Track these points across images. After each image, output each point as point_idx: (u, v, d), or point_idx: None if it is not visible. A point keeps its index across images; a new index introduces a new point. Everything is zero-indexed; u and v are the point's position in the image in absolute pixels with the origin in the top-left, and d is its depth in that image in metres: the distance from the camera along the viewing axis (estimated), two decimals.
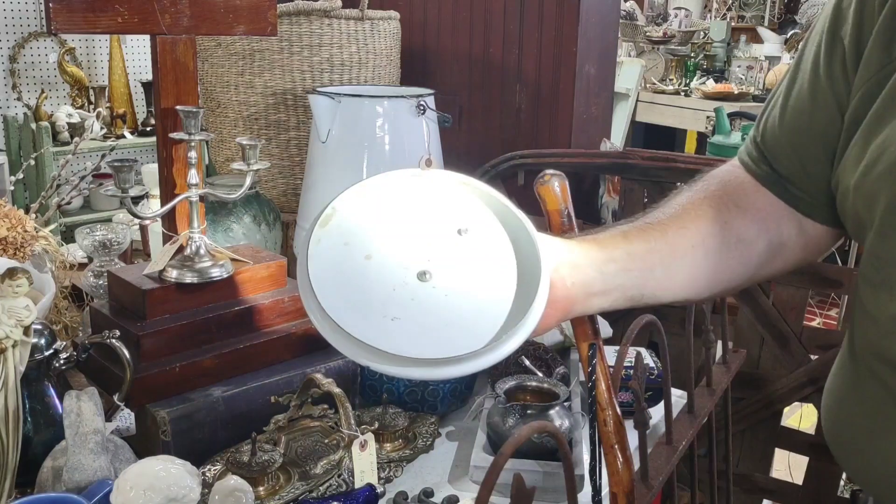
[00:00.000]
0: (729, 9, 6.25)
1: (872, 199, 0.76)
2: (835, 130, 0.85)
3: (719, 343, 1.65)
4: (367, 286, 0.69)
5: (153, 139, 2.31)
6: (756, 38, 5.74)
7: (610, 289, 0.79)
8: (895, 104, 0.76)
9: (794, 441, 1.99)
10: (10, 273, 0.96)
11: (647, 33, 5.70)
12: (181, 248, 1.21)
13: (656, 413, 1.33)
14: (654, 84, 5.42)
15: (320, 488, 1.05)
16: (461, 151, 2.40)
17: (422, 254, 0.71)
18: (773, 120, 0.92)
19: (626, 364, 1.26)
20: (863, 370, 0.85)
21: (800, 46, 0.91)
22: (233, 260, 1.26)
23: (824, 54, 0.85)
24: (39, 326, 1.05)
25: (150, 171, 2.16)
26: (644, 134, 5.47)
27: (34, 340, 1.01)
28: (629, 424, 0.99)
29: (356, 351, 0.66)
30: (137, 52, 4.04)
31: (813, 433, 1.99)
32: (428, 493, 1.09)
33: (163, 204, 1.29)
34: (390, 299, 0.69)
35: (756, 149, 0.94)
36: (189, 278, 1.18)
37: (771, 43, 5.49)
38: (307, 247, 0.70)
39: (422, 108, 1.60)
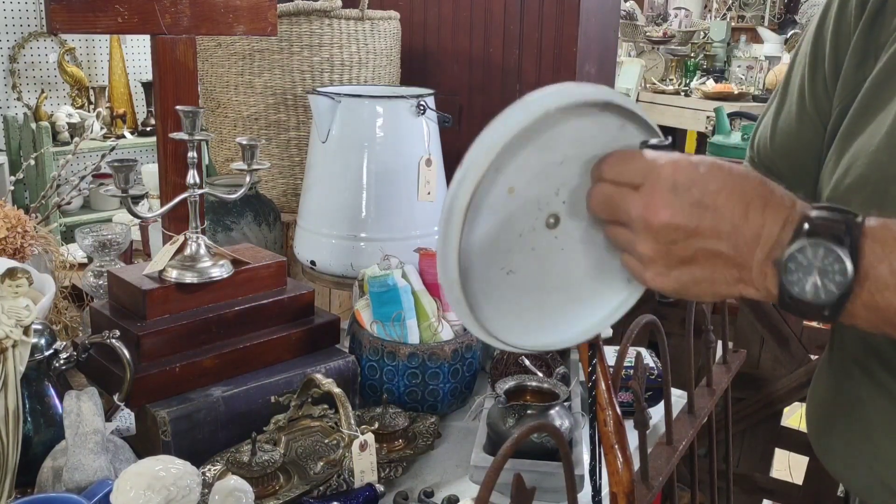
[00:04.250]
0: (729, 9, 6.25)
1: None
2: (822, 147, 0.87)
3: (719, 343, 1.65)
4: (499, 228, 0.65)
5: (153, 139, 2.31)
6: (756, 38, 5.74)
7: None
8: (864, 119, 0.79)
9: (794, 441, 2.00)
10: (10, 273, 0.96)
11: (647, 33, 5.70)
12: (181, 248, 1.21)
13: (656, 413, 1.33)
14: (654, 84, 5.42)
15: (320, 488, 1.05)
16: (461, 151, 2.39)
17: (560, 195, 0.67)
18: (764, 140, 0.95)
19: (626, 364, 1.26)
20: (841, 372, 0.86)
21: (787, 66, 0.94)
22: (233, 260, 1.26)
23: (808, 76, 0.89)
24: (39, 326, 1.05)
25: (150, 171, 2.16)
26: None
27: (34, 340, 1.01)
28: (629, 424, 0.99)
29: (457, 297, 0.64)
30: (137, 52, 4.04)
31: None
32: (428, 493, 1.09)
33: (163, 204, 1.29)
34: (514, 247, 0.66)
35: (756, 166, 0.96)
36: (189, 278, 1.18)
37: (771, 43, 5.48)
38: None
39: (422, 108, 1.60)
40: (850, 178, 0.78)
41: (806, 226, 0.58)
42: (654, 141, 0.66)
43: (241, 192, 1.25)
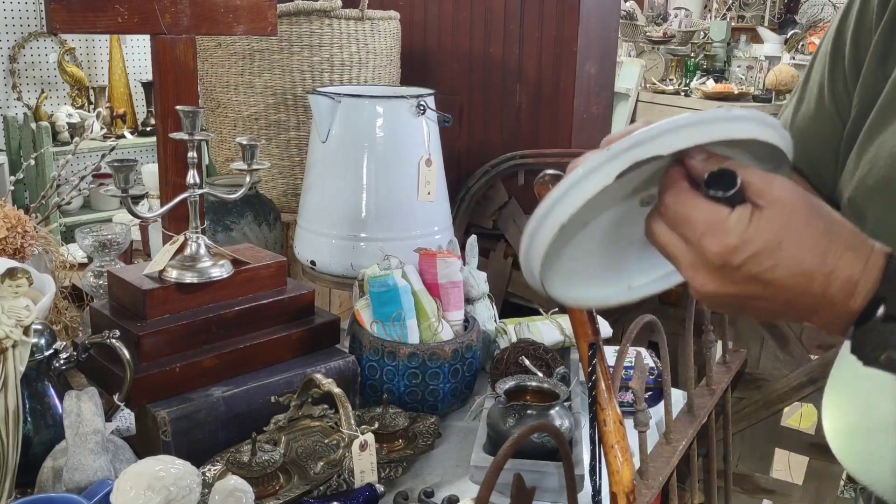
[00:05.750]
0: (729, 9, 6.25)
1: (862, 213, 0.79)
2: (839, 144, 0.87)
3: (719, 343, 1.65)
4: (591, 213, 0.62)
5: (153, 139, 2.31)
6: (756, 38, 5.74)
7: None
8: (885, 119, 0.79)
9: (794, 441, 2.00)
10: (10, 273, 0.97)
11: (647, 33, 5.70)
12: (181, 248, 1.21)
13: (656, 413, 1.34)
14: (655, 84, 5.42)
15: (320, 488, 1.05)
16: (461, 151, 2.40)
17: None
18: None
19: (626, 364, 1.27)
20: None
21: (808, 64, 0.93)
22: (233, 260, 1.26)
23: (828, 73, 0.89)
24: (39, 326, 1.05)
25: (150, 171, 2.16)
26: None
27: (34, 340, 1.01)
28: (629, 424, 0.99)
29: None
30: (137, 52, 4.04)
31: (813, 433, 1.99)
32: (428, 493, 1.09)
33: (163, 204, 1.29)
34: (600, 224, 0.65)
35: None
36: (189, 278, 1.18)
37: (771, 43, 5.48)
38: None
39: (422, 108, 1.60)
40: (872, 179, 0.78)
41: (881, 310, 0.56)
42: (714, 192, 0.58)
43: (241, 192, 1.25)
